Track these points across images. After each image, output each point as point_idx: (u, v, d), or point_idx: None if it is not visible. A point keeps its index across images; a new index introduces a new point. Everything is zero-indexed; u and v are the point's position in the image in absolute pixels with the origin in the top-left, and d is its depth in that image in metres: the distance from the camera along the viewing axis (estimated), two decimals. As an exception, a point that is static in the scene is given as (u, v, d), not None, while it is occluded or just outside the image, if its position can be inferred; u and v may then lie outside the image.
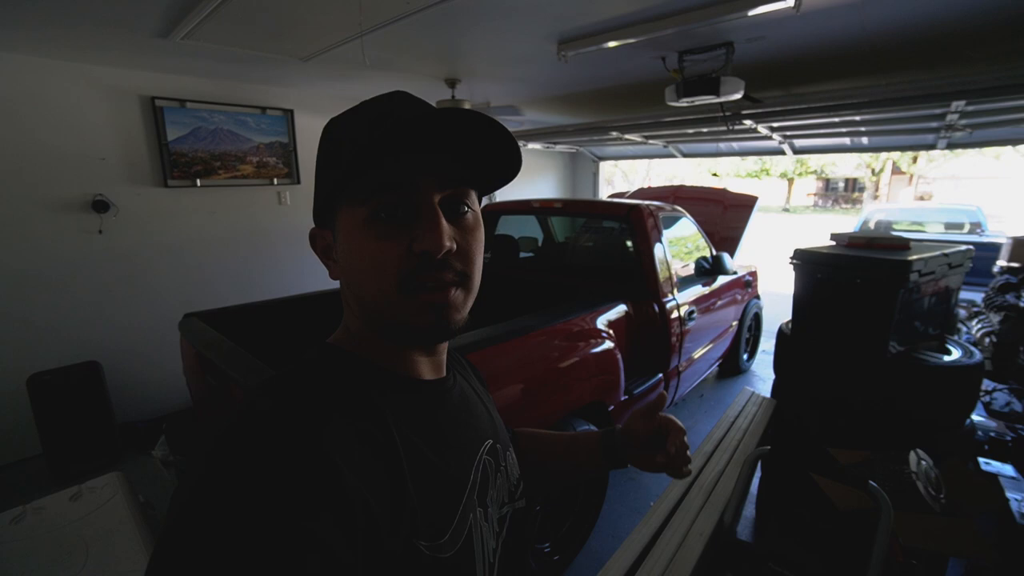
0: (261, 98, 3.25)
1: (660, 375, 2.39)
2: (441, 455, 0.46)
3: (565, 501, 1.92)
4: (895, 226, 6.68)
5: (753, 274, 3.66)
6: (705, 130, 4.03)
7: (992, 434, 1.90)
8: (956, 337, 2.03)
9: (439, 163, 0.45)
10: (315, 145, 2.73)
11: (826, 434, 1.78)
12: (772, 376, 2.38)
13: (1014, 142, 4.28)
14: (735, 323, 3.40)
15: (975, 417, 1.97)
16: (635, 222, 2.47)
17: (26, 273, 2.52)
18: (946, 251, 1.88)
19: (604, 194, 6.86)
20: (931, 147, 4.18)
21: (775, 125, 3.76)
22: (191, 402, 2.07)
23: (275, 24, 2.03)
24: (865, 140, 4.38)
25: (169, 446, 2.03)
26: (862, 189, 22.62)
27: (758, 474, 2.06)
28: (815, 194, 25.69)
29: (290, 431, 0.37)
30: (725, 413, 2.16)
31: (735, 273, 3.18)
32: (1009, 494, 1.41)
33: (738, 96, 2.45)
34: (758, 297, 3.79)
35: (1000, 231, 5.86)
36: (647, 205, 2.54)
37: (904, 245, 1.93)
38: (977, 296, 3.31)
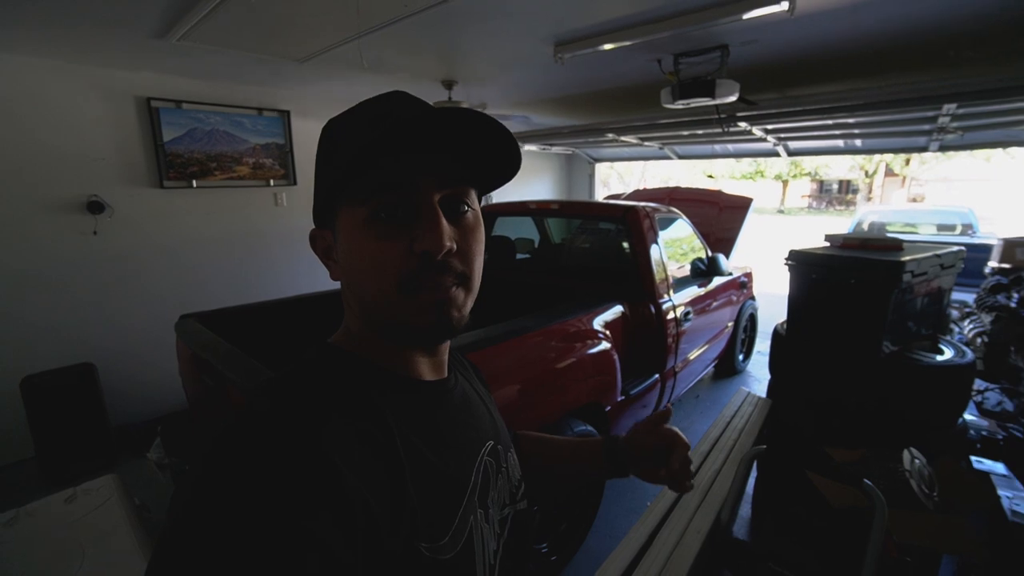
0: (257, 99, 3.25)
1: (656, 376, 2.40)
2: (441, 455, 0.46)
3: (563, 501, 1.93)
4: (888, 227, 6.74)
5: (748, 275, 3.68)
6: (700, 132, 4.06)
7: (984, 433, 1.92)
8: (948, 337, 2.05)
9: (438, 162, 0.45)
10: (311, 146, 2.73)
11: (821, 434, 1.80)
12: (767, 376, 2.39)
13: (1004, 144, 4.33)
14: (731, 324, 3.41)
15: (967, 416, 1.99)
16: (631, 223, 2.48)
17: (20, 274, 2.50)
18: (938, 252, 1.90)
19: (600, 196, 6.88)
20: (923, 149, 4.22)
21: (770, 127, 3.79)
22: (187, 404, 2.06)
23: (272, 25, 2.03)
24: (858, 142, 4.42)
25: (164, 448, 2.02)
26: (856, 191, 22.79)
27: (754, 473, 2.07)
28: (809, 196, 25.86)
29: (289, 431, 0.37)
30: (721, 413, 2.17)
31: (730, 274, 3.19)
32: (1000, 492, 1.43)
33: (733, 98, 2.47)
34: (753, 298, 3.80)
35: (991, 232, 5.92)
36: (643, 206, 2.56)
37: (897, 246, 1.95)
38: (969, 297, 3.34)
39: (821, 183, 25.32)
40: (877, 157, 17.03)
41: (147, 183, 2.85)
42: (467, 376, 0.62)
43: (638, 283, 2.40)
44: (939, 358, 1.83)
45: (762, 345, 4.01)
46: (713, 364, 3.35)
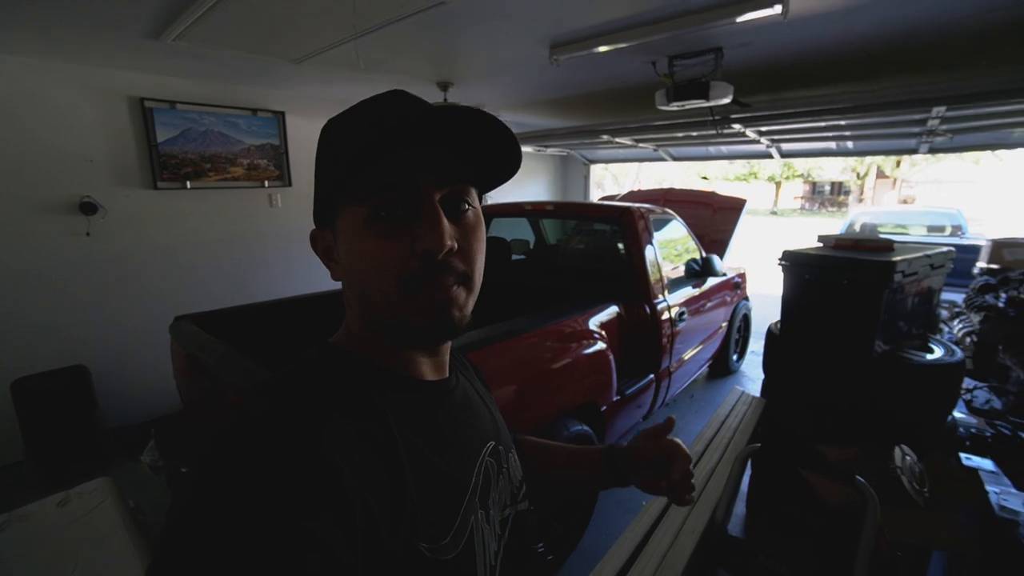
0: (252, 100, 3.24)
1: (651, 376, 2.41)
2: (441, 455, 0.46)
3: (560, 506, 1.93)
4: (880, 228, 6.81)
5: (742, 276, 3.71)
6: (695, 134, 4.08)
7: (973, 430, 1.94)
8: (938, 336, 2.08)
9: (439, 161, 0.44)
10: (307, 147, 2.73)
11: (815, 433, 1.82)
12: (761, 376, 2.41)
13: (992, 147, 4.39)
14: (725, 324, 3.43)
15: (957, 414, 2.02)
16: (626, 224, 2.49)
17: (12, 275, 2.48)
18: (928, 252, 1.93)
19: (594, 197, 6.90)
20: (913, 151, 4.27)
21: (763, 129, 3.82)
22: (181, 406, 2.05)
23: (268, 26, 2.02)
24: (850, 144, 4.46)
25: (159, 451, 2.01)
26: (847, 192, 23.01)
27: (749, 472, 2.09)
28: (802, 197, 26.06)
29: (290, 431, 0.37)
30: (716, 412, 2.19)
31: (724, 275, 3.21)
32: (989, 488, 1.45)
33: (727, 100, 2.50)
34: (747, 298, 3.83)
35: (980, 233, 5.99)
36: (638, 208, 2.57)
37: (888, 247, 1.97)
38: (958, 297, 3.38)
39: (813, 185, 25.54)
40: (868, 159, 17.23)
41: (140, 184, 2.84)
42: (468, 376, 0.62)
43: (633, 284, 2.41)
44: (929, 357, 1.86)
45: (756, 345, 4.04)
46: (707, 364, 3.37)
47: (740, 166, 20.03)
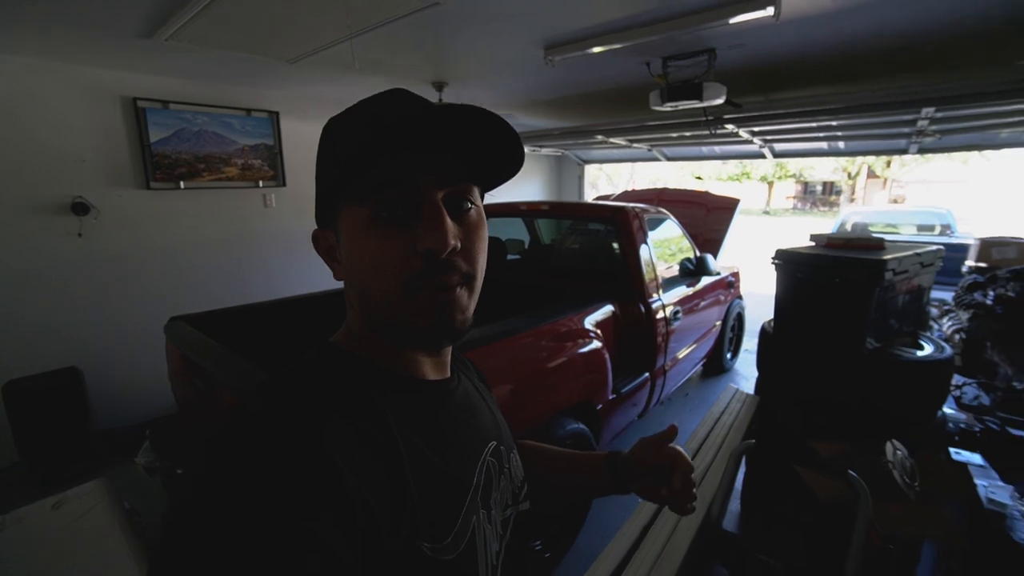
0: (246, 100, 3.22)
1: (647, 374, 2.43)
2: (443, 455, 0.46)
3: (561, 511, 1.94)
4: (871, 228, 6.88)
5: (736, 275, 3.73)
6: (688, 134, 4.11)
7: (962, 425, 1.97)
8: (928, 334, 2.11)
9: (439, 160, 0.44)
10: (301, 148, 2.72)
11: (807, 430, 1.84)
12: (755, 374, 2.43)
13: (980, 147, 4.46)
14: (719, 323, 3.46)
15: (946, 410, 2.05)
16: (621, 224, 2.51)
17: (3, 277, 2.45)
18: (918, 251, 1.96)
19: (589, 197, 6.93)
20: (903, 152, 4.33)
21: (756, 130, 3.86)
22: (176, 407, 2.04)
23: (262, 26, 2.02)
24: (841, 145, 4.51)
25: (154, 452, 2.00)
26: (839, 192, 23.21)
27: (743, 468, 2.11)
28: (794, 197, 26.25)
29: (289, 430, 0.37)
30: (710, 410, 2.21)
31: (718, 274, 3.24)
32: (977, 481, 1.48)
33: (720, 101, 2.52)
34: (741, 297, 3.86)
35: (968, 233, 6.07)
36: (633, 207, 2.59)
37: (879, 245, 2.00)
38: (947, 295, 3.43)
39: (805, 185, 25.74)
40: (859, 159, 17.40)
41: (133, 184, 2.82)
42: (469, 376, 0.62)
43: (628, 283, 2.43)
44: (919, 354, 1.88)
45: (749, 343, 4.08)
46: (702, 362, 3.39)
47: (733, 166, 20.17)
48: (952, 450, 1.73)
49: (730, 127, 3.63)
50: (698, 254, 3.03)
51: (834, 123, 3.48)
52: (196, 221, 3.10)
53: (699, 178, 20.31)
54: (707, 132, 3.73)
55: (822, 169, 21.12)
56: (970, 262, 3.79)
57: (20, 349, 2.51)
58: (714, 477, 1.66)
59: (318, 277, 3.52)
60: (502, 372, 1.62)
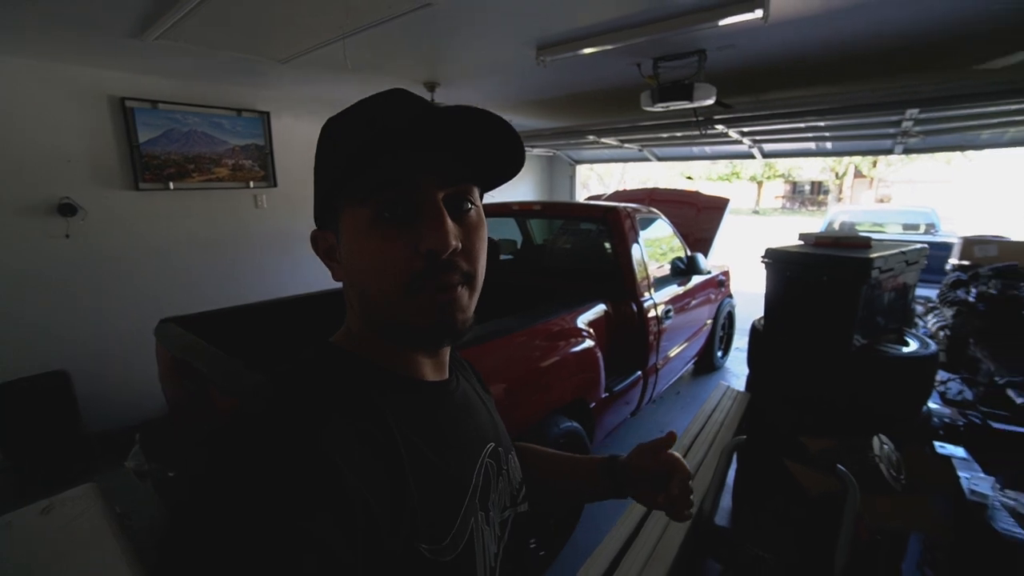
0: (236, 100, 3.19)
1: (639, 372, 2.45)
2: (442, 455, 0.46)
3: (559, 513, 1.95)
4: (858, 226, 6.99)
5: (726, 274, 3.77)
6: (679, 134, 4.15)
7: (946, 420, 2.01)
8: (914, 331, 2.15)
9: (439, 161, 0.44)
10: (292, 148, 2.70)
11: (797, 429, 1.87)
12: (746, 372, 2.46)
13: (962, 148, 4.55)
14: (709, 321, 3.50)
15: (931, 405, 2.09)
16: (613, 224, 2.53)
17: (-12, 279, 2.41)
18: (904, 249, 1.99)
19: (580, 197, 6.95)
20: (889, 152, 4.41)
21: (745, 130, 3.90)
22: (167, 410, 2.02)
23: (253, 25, 2.01)
24: (829, 145, 4.58)
25: (145, 455, 1.97)
26: (827, 192, 23.52)
27: (734, 465, 2.13)
28: (783, 197, 26.54)
29: (288, 430, 0.37)
30: (702, 407, 2.23)
31: (709, 273, 3.27)
32: (960, 473, 1.52)
33: (710, 102, 2.55)
34: (731, 296, 3.90)
35: (952, 231, 6.17)
36: (624, 207, 2.61)
37: (866, 244, 2.03)
38: (932, 292, 3.49)
39: (794, 184, 26.04)
40: (846, 159, 17.67)
41: (122, 185, 2.78)
42: (467, 377, 0.62)
43: (620, 282, 2.45)
44: (905, 350, 1.92)
45: (740, 342, 4.12)
46: (693, 361, 3.43)
47: (723, 166, 20.36)
48: (937, 444, 1.77)
49: (720, 127, 3.67)
50: (689, 253, 3.06)
51: (822, 124, 3.54)
52: (186, 222, 3.06)
53: (689, 178, 20.47)
54: (697, 132, 3.76)
55: (810, 169, 21.41)
56: (954, 260, 3.86)
57: (7, 352, 2.46)
58: (706, 473, 1.68)
59: (312, 277, 3.50)
60: (496, 371, 1.63)
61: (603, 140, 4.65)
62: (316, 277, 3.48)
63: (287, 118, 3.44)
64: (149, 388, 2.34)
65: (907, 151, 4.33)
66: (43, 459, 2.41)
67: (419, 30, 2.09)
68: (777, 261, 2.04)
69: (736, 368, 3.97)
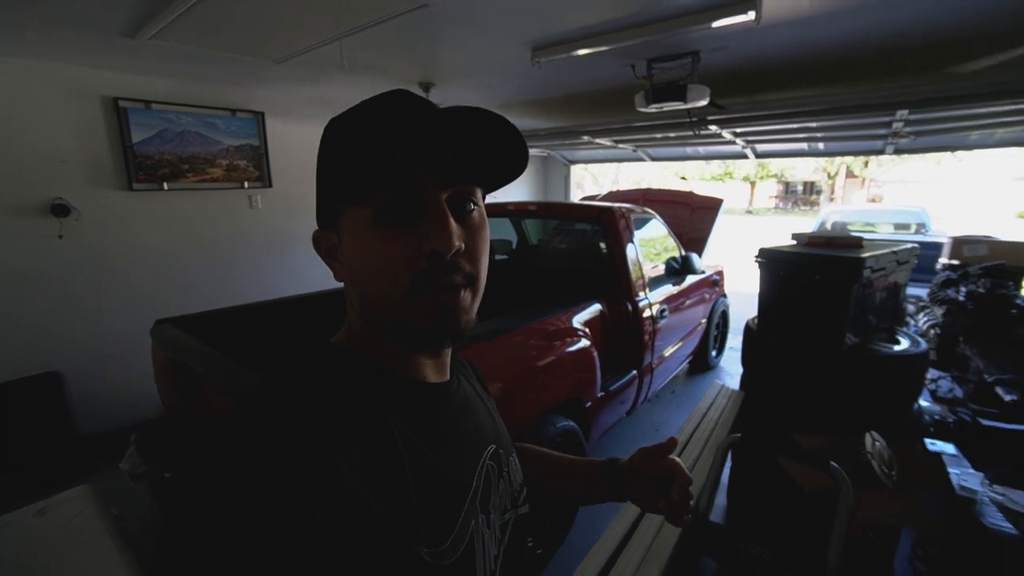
0: (231, 100, 3.18)
1: (634, 372, 2.47)
2: (442, 456, 0.45)
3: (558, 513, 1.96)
4: (850, 226, 7.05)
5: (720, 273, 3.80)
6: (673, 135, 4.17)
7: (937, 417, 2.04)
8: (905, 329, 2.18)
9: (440, 161, 0.43)
10: (287, 148, 2.70)
11: (791, 425, 1.89)
12: (740, 371, 2.48)
13: (952, 148, 4.61)
14: (704, 321, 3.52)
15: (922, 402, 2.12)
16: (608, 224, 2.54)
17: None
18: (895, 249, 2.02)
19: (575, 197, 6.97)
20: (880, 152, 4.46)
21: (738, 131, 3.93)
22: (162, 410, 2.01)
23: (249, 26, 2.00)
24: (821, 145, 4.62)
25: (140, 457, 1.96)
26: (819, 192, 23.70)
27: (729, 463, 2.15)
28: (776, 197, 26.72)
29: (288, 430, 0.36)
30: (697, 406, 2.25)
31: (703, 272, 3.29)
32: (950, 470, 1.54)
33: (704, 103, 2.56)
34: (725, 295, 3.92)
35: (942, 231, 6.23)
36: (619, 207, 2.62)
37: (858, 243, 2.06)
38: (923, 291, 3.53)
39: (787, 184, 26.23)
40: (838, 160, 17.82)
41: (115, 185, 2.76)
42: (468, 378, 0.61)
43: (615, 282, 2.46)
44: (896, 348, 1.95)
45: (734, 341, 4.14)
46: (688, 360, 3.45)
47: (716, 166, 20.48)
48: (927, 441, 1.79)
49: (713, 128, 3.69)
50: (683, 253, 3.08)
51: (814, 124, 3.57)
52: (181, 222, 3.05)
53: (683, 178, 20.58)
54: (691, 133, 3.79)
55: (803, 169, 21.57)
56: (944, 259, 3.91)
57: (0, 353, 2.44)
58: (701, 471, 1.70)
59: (310, 277, 3.49)
60: (493, 371, 1.63)
61: (598, 140, 4.67)
62: (314, 277, 3.47)
63: (282, 118, 3.43)
64: (145, 389, 2.33)
65: (898, 151, 4.38)
66: (38, 461, 2.39)
67: (415, 30, 2.10)
68: (770, 261, 2.07)
69: (730, 367, 3.99)
